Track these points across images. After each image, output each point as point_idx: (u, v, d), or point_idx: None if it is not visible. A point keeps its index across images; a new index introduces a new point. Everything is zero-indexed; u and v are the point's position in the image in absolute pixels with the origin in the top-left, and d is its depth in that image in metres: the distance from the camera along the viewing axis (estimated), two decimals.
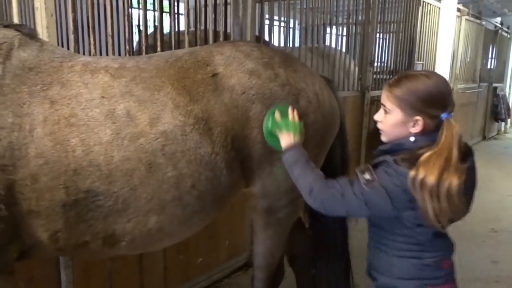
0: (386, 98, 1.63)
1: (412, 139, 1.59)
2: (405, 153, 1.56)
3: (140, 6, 2.81)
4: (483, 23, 9.44)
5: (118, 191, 1.66)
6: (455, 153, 1.50)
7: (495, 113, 10.88)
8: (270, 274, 2.38)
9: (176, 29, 2.94)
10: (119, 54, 3.41)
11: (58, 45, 2.37)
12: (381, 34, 5.60)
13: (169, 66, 1.89)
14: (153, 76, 1.83)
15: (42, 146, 1.57)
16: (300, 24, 4.90)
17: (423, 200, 1.47)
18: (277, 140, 1.84)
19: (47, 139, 1.58)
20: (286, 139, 1.81)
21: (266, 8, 3.86)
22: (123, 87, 1.75)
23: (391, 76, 5.95)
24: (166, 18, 3.83)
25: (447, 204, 1.46)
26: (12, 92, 1.59)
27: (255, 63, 2.00)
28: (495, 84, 10.92)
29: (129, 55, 2.58)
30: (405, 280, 1.67)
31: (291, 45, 4.40)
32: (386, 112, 1.64)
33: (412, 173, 1.48)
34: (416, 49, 6.41)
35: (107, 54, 2.70)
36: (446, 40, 7.36)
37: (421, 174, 1.46)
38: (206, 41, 3.22)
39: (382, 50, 5.76)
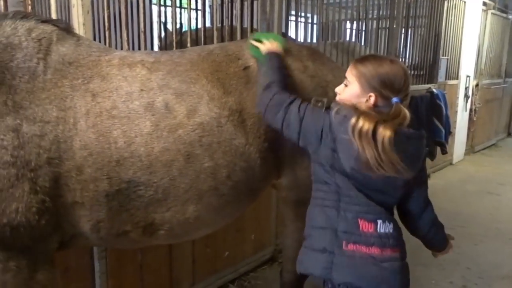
0: (349, 71, 1.74)
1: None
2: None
3: (170, 3, 2.84)
4: (510, 17, 9.23)
5: (158, 181, 1.70)
6: (392, 119, 1.60)
7: None
8: None
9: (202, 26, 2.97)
10: (152, 49, 3.46)
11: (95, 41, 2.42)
12: (406, 29, 5.53)
13: (202, 60, 1.94)
14: (188, 70, 1.87)
15: (86, 138, 1.62)
16: (320, 20, 4.88)
17: (362, 147, 1.56)
18: (258, 50, 1.99)
19: (90, 131, 1.63)
20: (267, 46, 1.97)
21: (291, 4, 3.86)
22: (160, 80, 1.79)
23: (415, 71, 5.89)
24: (192, 15, 3.87)
25: (382, 152, 1.54)
26: (55, 87, 1.64)
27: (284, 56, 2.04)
28: None
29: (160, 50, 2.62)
30: (318, 228, 1.74)
31: (315, 41, 4.39)
32: (346, 85, 1.75)
33: (352, 120, 1.58)
34: (441, 44, 6.32)
35: (139, 50, 2.74)
36: (471, 35, 7.23)
37: (360, 123, 1.56)
38: (232, 38, 3.24)
39: (407, 45, 5.69)
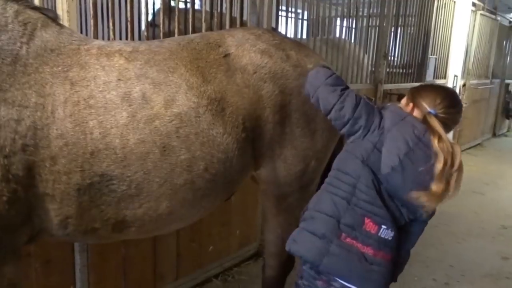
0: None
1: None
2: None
3: None
4: (498, 18, 9.31)
5: (132, 175, 1.66)
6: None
7: (507, 110, 10.77)
8: (281, 261, 2.38)
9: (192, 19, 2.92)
10: (140, 39, 3.40)
11: (78, 29, 2.38)
12: (396, 28, 5.54)
13: (182, 48, 1.90)
14: (167, 59, 1.83)
15: (62, 127, 1.57)
16: (310, 16, 4.86)
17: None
18: None
19: (67, 120, 1.58)
20: None
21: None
22: (138, 70, 1.75)
23: (404, 70, 5.92)
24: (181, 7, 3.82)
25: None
26: (36, 72, 1.59)
27: (267, 44, 2.03)
28: (507, 81, 10.80)
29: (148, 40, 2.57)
30: (323, 214, 1.75)
31: (304, 37, 4.37)
32: None
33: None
34: (430, 43, 6.35)
35: (126, 39, 2.70)
36: (460, 34, 7.28)
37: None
38: (221, 27, 3.20)
39: (396, 44, 5.71)
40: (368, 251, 1.69)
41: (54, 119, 1.56)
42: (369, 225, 1.69)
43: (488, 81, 9.37)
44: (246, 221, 3.52)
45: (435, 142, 1.64)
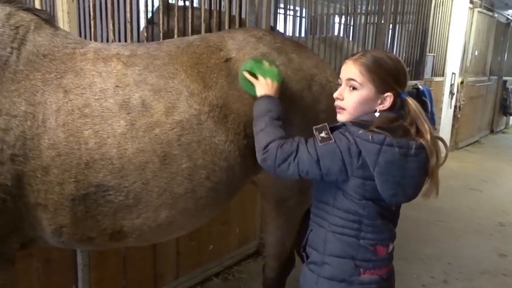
0: (358, 73, 1.56)
1: (377, 114, 1.57)
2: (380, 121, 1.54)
3: None
4: (495, 15, 9.34)
5: (129, 185, 1.60)
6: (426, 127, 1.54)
7: (504, 107, 10.81)
8: (282, 262, 2.39)
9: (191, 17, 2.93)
10: (138, 40, 3.41)
11: (78, 30, 2.37)
12: (394, 25, 5.55)
13: (182, 52, 1.83)
14: (166, 63, 1.77)
15: (54, 137, 1.52)
16: (309, 14, 4.87)
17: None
18: (252, 85, 1.79)
19: (60, 130, 1.53)
20: (263, 86, 1.74)
21: None
22: (137, 76, 1.69)
23: None
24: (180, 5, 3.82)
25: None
26: (26, 79, 1.54)
27: (268, 47, 1.97)
28: (505, 78, 10.83)
29: (147, 41, 2.58)
30: (336, 257, 1.64)
31: (303, 35, 4.38)
32: (354, 88, 1.58)
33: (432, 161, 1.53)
34: (428, 41, 6.37)
35: (125, 40, 2.70)
36: (457, 32, 7.30)
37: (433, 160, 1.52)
38: (220, 26, 3.20)
39: (394, 41, 5.72)
40: (383, 272, 1.66)
41: (45, 129, 1.51)
42: (381, 251, 1.65)
43: (485, 78, 9.40)
44: (245, 219, 3.54)
45: (427, 138, 1.50)
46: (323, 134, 1.55)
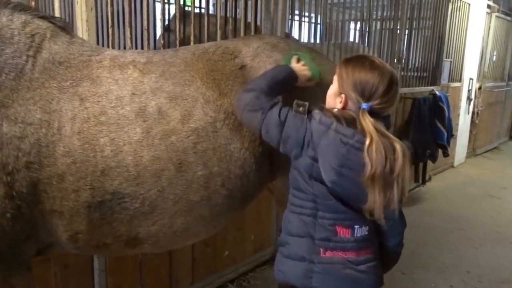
0: (337, 69, 1.71)
1: (335, 110, 1.66)
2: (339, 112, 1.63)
3: (174, 1, 2.84)
4: None
5: (145, 193, 1.61)
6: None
7: None
8: None
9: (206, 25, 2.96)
10: (155, 48, 3.45)
11: (96, 38, 2.41)
12: (410, 31, 5.51)
13: (197, 59, 1.84)
14: (182, 70, 1.78)
15: (70, 145, 1.53)
16: (324, 20, 4.87)
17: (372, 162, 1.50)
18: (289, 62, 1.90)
19: (75, 137, 1.54)
20: (297, 66, 1.87)
21: (295, 4, 3.85)
22: (153, 83, 1.70)
23: (418, 73, 5.88)
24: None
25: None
26: (41, 87, 1.54)
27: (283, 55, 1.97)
28: None
29: (163, 48, 2.61)
30: (296, 237, 1.69)
31: (318, 41, 4.38)
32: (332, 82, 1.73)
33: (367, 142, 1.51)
34: (445, 46, 6.30)
35: (142, 48, 2.73)
36: (475, 37, 7.22)
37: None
38: (235, 32, 3.23)
39: (410, 47, 5.68)
40: (350, 255, 1.66)
41: (60, 136, 1.52)
42: (342, 231, 1.66)
43: (504, 83, 9.26)
44: (260, 226, 3.54)
45: (365, 147, 1.50)
46: (300, 109, 1.66)
